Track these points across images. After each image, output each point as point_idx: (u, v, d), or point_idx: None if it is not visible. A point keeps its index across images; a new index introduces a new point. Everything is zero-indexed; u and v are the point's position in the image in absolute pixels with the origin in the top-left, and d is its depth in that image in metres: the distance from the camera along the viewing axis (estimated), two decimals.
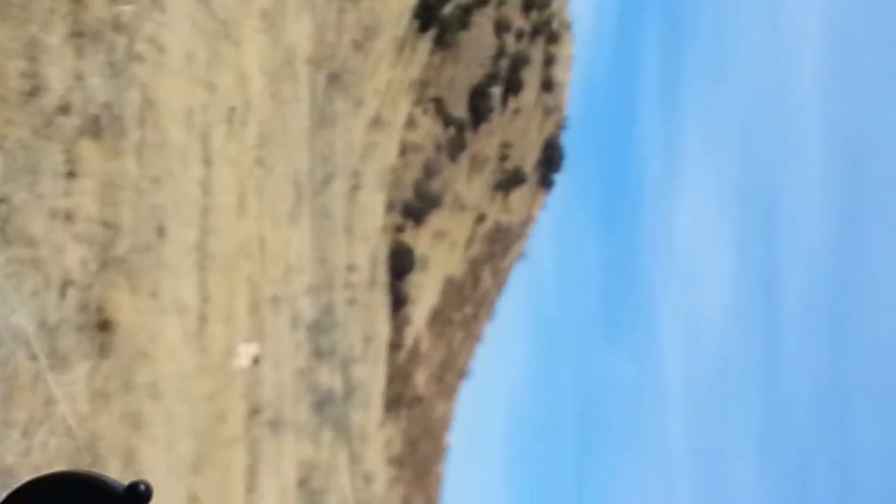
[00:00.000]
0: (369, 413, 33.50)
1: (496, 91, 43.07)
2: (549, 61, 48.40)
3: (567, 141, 51.91)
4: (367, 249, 32.66)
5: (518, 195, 47.18)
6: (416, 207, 36.36)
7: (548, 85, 48.58)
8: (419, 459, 41.37)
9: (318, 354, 27.90)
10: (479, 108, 41.17)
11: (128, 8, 17.94)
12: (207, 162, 22.45)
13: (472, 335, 46.68)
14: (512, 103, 44.74)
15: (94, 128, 16.24)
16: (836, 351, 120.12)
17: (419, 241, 37.03)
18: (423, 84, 37.65)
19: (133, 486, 1.20)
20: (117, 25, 17.49)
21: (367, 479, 33.02)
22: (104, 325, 16.11)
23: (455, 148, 39.60)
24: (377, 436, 34.76)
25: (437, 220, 38.50)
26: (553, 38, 48.20)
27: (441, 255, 39.78)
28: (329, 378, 28.76)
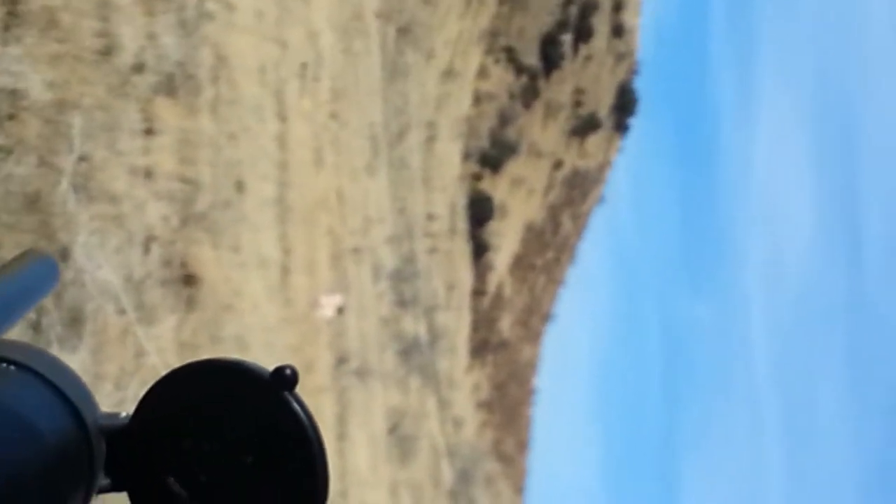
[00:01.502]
0: (456, 359, 33.66)
1: (566, 38, 43.02)
2: (618, 6, 48.25)
3: (640, 85, 51.83)
4: (445, 199, 32.75)
5: (594, 140, 47.12)
6: (492, 155, 36.44)
7: (618, 30, 48.44)
8: (508, 403, 41.60)
9: (402, 303, 28.06)
10: (550, 55, 41.14)
11: None
12: (282, 117, 22.66)
13: (554, 280, 46.81)
14: (583, 50, 44.66)
15: (168, 86, 16.41)
16: None
17: (497, 188, 37.10)
18: (493, 34, 37.67)
19: (279, 370, 1.18)
20: None
21: (457, 423, 33.20)
22: (188, 280, 16.30)
23: (528, 96, 39.61)
24: (465, 381, 34.92)
25: (514, 167, 38.57)
26: None
27: (520, 201, 39.82)
28: (413, 326, 28.91)
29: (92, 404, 1.26)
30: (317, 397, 22.30)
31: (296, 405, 1.18)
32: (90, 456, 1.21)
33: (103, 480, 1.24)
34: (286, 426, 1.17)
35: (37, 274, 1.49)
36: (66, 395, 1.21)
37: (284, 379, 1.17)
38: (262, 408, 1.18)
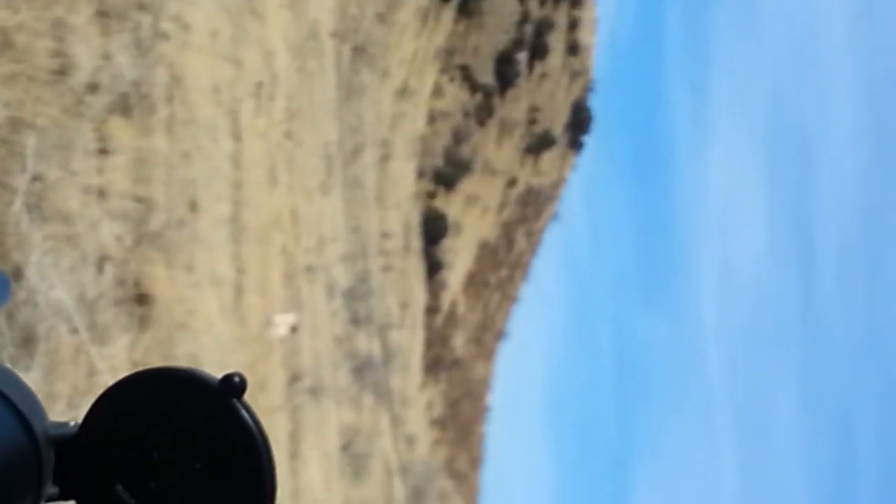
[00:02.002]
0: (409, 377, 33.68)
1: (522, 56, 43.14)
2: (573, 25, 48.41)
3: (595, 103, 52.01)
4: (399, 217, 32.80)
5: (548, 158, 47.27)
6: (446, 174, 36.53)
7: (573, 48, 48.62)
8: (461, 420, 41.65)
9: (355, 321, 28.06)
10: (505, 73, 41.27)
11: None
12: (236, 136, 22.66)
13: (508, 297, 46.97)
14: (538, 68, 44.81)
15: (123, 105, 16.41)
16: (872, 293, 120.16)
17: (451, 206, 37.19)
18: (448, 52, 37.75)
19: (227, 377, 1.22)
20: (141, 4, 17.69)
21: (410, 441, 33.19)
22: (142, 299, 16.26)
23: (483, 114, 39.73)
24: (418, 399, 34.93)
25: (468, 185, 38.66)
26: (577, 2, 48.20)
27: (474, 219, 39.92)
28: (367, 344, 28.89)
29: (40, 413, 1.29)
30: (270, 416, 22.26)
31: (244, 412, 1.22)
32: (38, 464, 1.25)
33: (51, 488, 1.28)
34: (235, 433, 1.21)
35: None
36: (13, 403, 1.24)
37: (233, 386, 1.21)
38: (211, 415, 1.21)
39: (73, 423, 1.32)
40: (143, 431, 1.24)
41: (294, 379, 24.16)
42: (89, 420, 1.30)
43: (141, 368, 1.29)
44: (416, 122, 34.29)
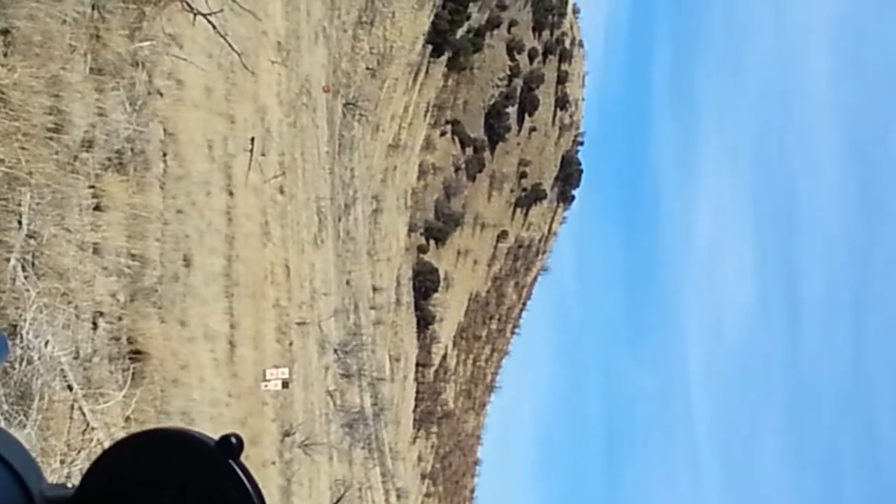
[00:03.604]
0: (400, 430, 33.66)
1: (511, 111, 43.52)
2: (562, 79, 48.90)
3: (584, 156, 52.32)
4: (390, 271, 32.95)
5: (538, 211, 47.62)
6: (437, 227, 36.77)
7: (562, 102, 49.06)
8: (451, 474, 41.68)
9: (347, 375, 28.06)
10: (495, 128, 41.69)
11: (146, 44, 18.28)
12: (230, 191, 22.79)
13: (498, 350, 47.14)
14: (528, 122, 45.29)
15: (118, 162, 16.49)
16: (858, 345, 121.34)
17: (442, 260, 37.39)
18: (439, 107, 38.09)
19: (225, 438, 1.25)
20: (136, 62, 17.81)
21: (401, 495, 33.06)
22: (136, 355, 16.27)
23: (474, 168, 40.11)
24: (409, 452, 34.86)
25: (459, 239, 38.92)
26: (565, 57, 48.65)
27: (464, 273, 40.09)
28: (359, 398, 28.87)
29: (38, 475, 1.34)
30: (262, 470, 22.21)
31: (241, 473, 1.25)
32: None
33: None
34: (231, 494, 1.23)
35: None
36: (11, 465, 1.28)
37: (230, 447, 1.24)
38: (208, 476, 1.24)
39: (71, 486, 1.34)
40: (141, 493, 1.26)
41: (286, 434, 24.17)
42: (87, 482, 1.32)
43: (136, 430, 1.33)
44: (407, 176, 34.56)
